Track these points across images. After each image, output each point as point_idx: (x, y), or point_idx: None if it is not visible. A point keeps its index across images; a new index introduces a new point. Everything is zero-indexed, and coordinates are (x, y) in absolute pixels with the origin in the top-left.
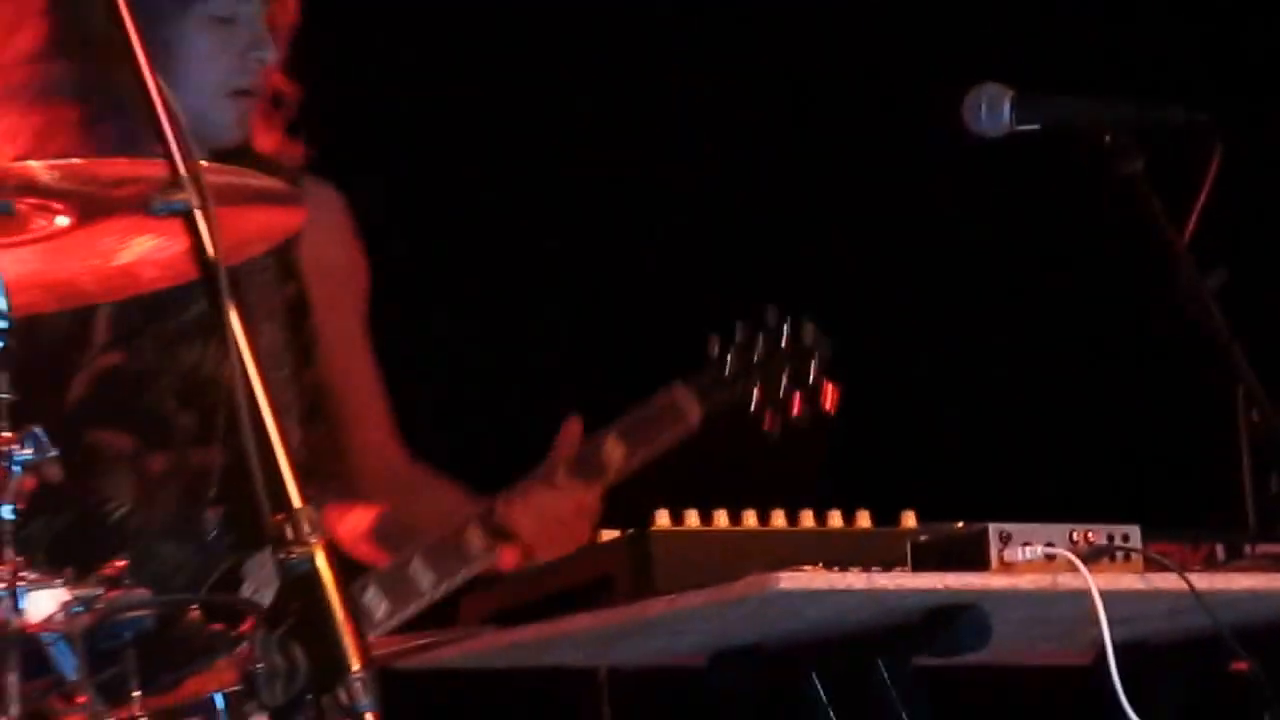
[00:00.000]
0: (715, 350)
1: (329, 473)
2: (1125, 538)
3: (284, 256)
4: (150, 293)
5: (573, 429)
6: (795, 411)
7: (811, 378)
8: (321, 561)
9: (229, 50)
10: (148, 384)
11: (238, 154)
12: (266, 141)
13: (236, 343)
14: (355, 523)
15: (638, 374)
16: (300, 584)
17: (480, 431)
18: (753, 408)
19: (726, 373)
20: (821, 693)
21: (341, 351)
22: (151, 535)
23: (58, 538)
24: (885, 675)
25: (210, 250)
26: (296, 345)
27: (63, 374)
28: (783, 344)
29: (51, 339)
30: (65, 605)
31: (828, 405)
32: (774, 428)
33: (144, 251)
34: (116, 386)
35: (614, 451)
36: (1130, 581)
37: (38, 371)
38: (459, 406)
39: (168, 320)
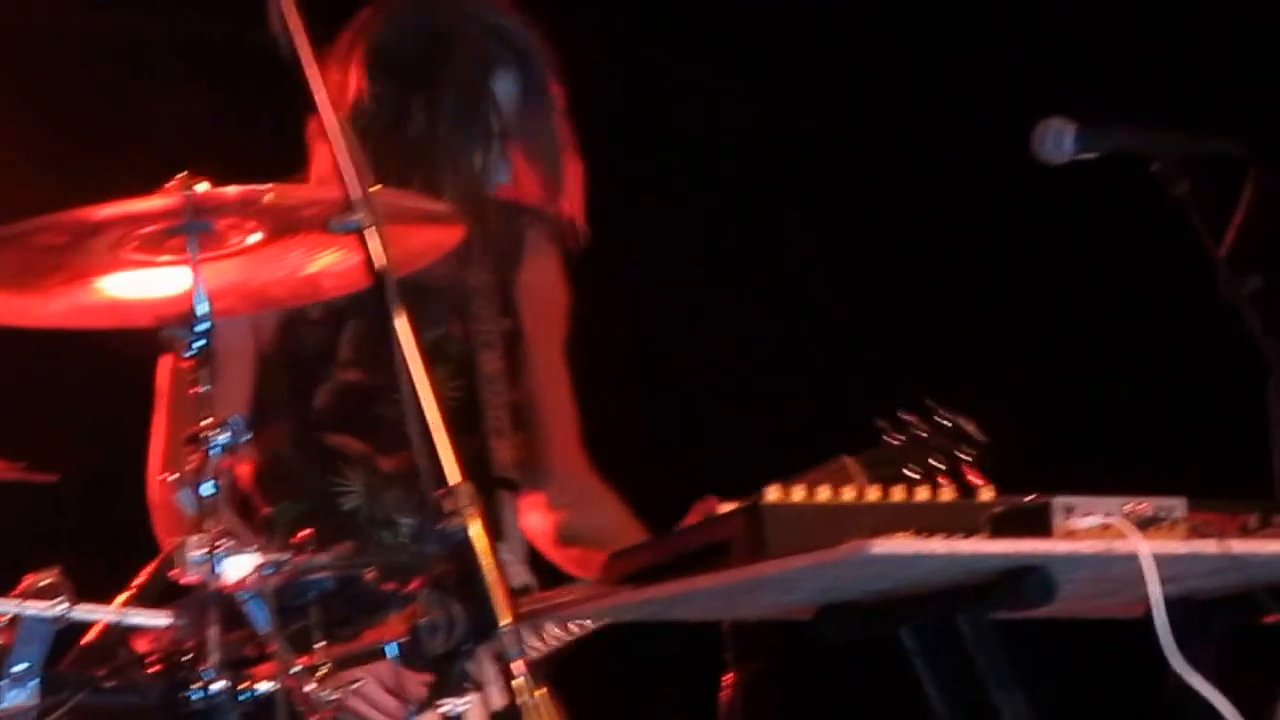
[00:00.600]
0: (884, 429)
1: (531, 477)
2: (1171, 509)
3: (505, 291)
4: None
5: (708, 504)
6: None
7: (964, 464)
8: (476, 530)
9: None
10: (380, 397)
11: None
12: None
13: (400, 344)
14: (539, 524)
15: (807, 445)
16: (458, 549)
17: (660, 466)
18: (909, 481)
19: (891, 450)
20: (911, 643)
21: (544, 373)
22: (377, 525)
23: (296, 520)
24: (965, 628)
25: (380, 263)
26: (510, 369)
27: (312, 384)
28: (942, 431)
29: (304, 354)
30: (258, 568)
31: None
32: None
33: (326, 264)
34: (354, 398)
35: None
36: (1175, 546)
37: (293, 380)
38: (644, 444)
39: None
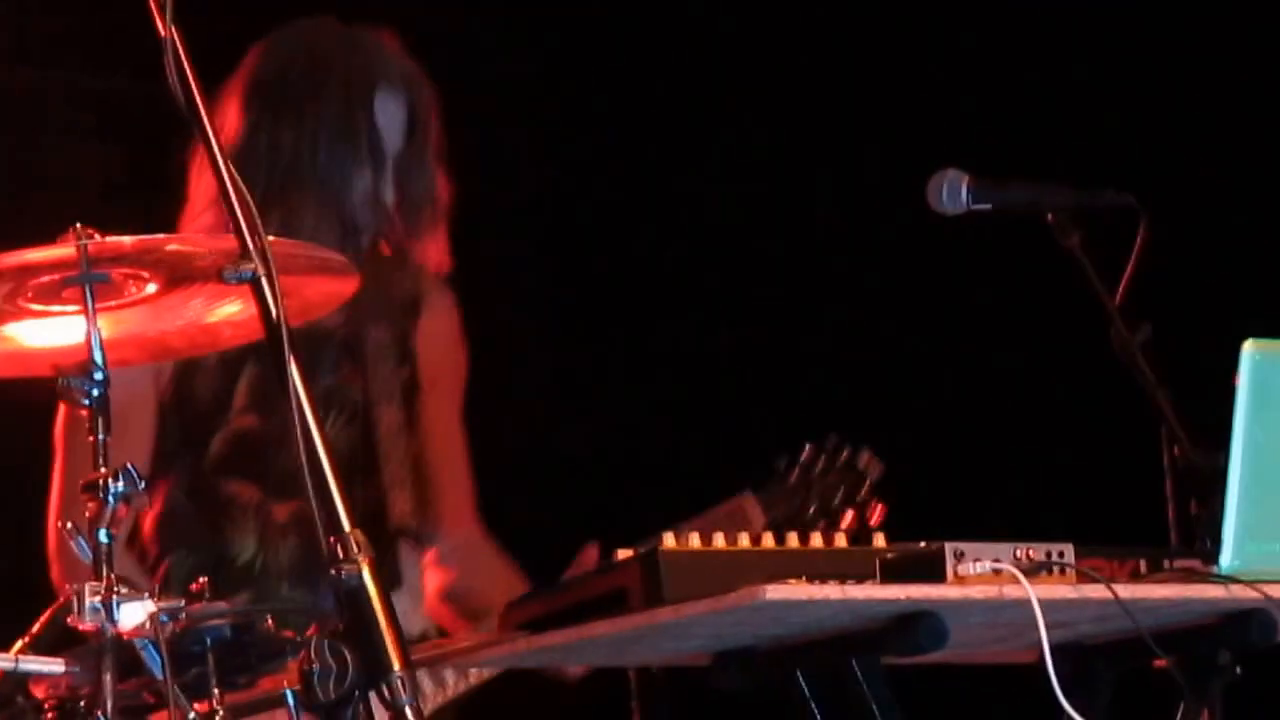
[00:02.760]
0: (782, 466)
1: (426, 531)
2: (1061, 554)
3: (403, 346)
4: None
5: (589, 554)
6: (845, 524)
7: (862, 496)
8: (368, 576)
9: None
10: (274, 445)
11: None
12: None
13: (296, 392)
14: (428, 580)
15: (705, 482)
16: (350, 596)
17: (546, 518)
18: (808, 518)
19: (789, 486)
20: (805, 688)
21: (439, 426)
22: (270, 575)
23: (192, 570)
24: (858, 673)
25: (274, 312)
26: (409, 421)
27: (208, 432)
28: (839, 465)
29: (200, 402)
30: (153, 615)
31: (874, 521)
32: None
33: (225, 314)
34: (248, 445)
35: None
36: (1064, 591)
37: (187, 428)
38: (537, 496)
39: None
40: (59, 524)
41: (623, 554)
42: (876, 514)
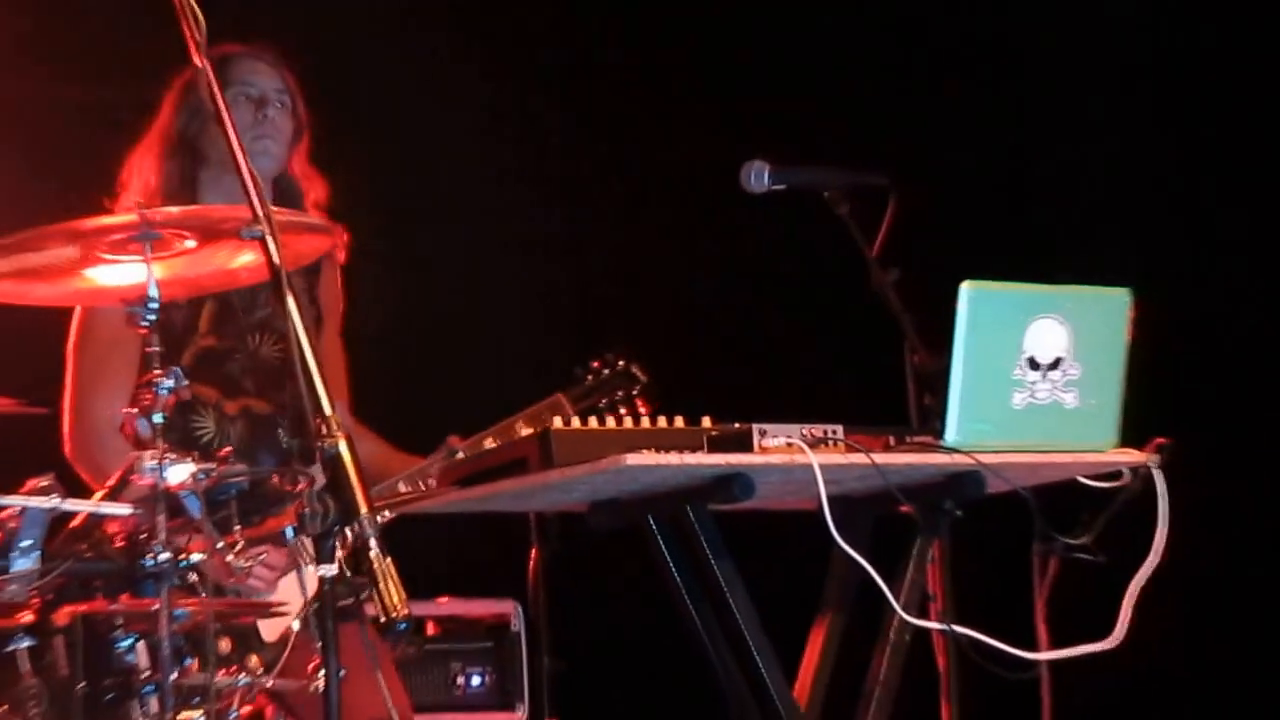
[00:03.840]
0: (580, 374)
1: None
2: (834, 432)
3: (310, 293)
4: (232, 299)
5: (450, 442)
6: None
7: (636, 393)
8: (344, 446)
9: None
10: (227, 358)
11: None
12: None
13: (292, 314)
14: None
15: (530, 387)
16: (331, 460)
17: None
18: (601, 408)
19: (586, 386)
20: (655, 529)
21: (331, 349)
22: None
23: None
24: (692, 517)
25: (275, 260)
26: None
27: (180, 349)
28: (620, 371)
29: (174, 327)
30: (194, 474)
31: (644, 412)
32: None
33: (242, 262)
34: (209, 359)
35: (523, 429)
36: (836, 458)
37: (167, 347)
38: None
39: (242, 319)
40: (119, 411)
41: (524, 431)
42: (644, 409)
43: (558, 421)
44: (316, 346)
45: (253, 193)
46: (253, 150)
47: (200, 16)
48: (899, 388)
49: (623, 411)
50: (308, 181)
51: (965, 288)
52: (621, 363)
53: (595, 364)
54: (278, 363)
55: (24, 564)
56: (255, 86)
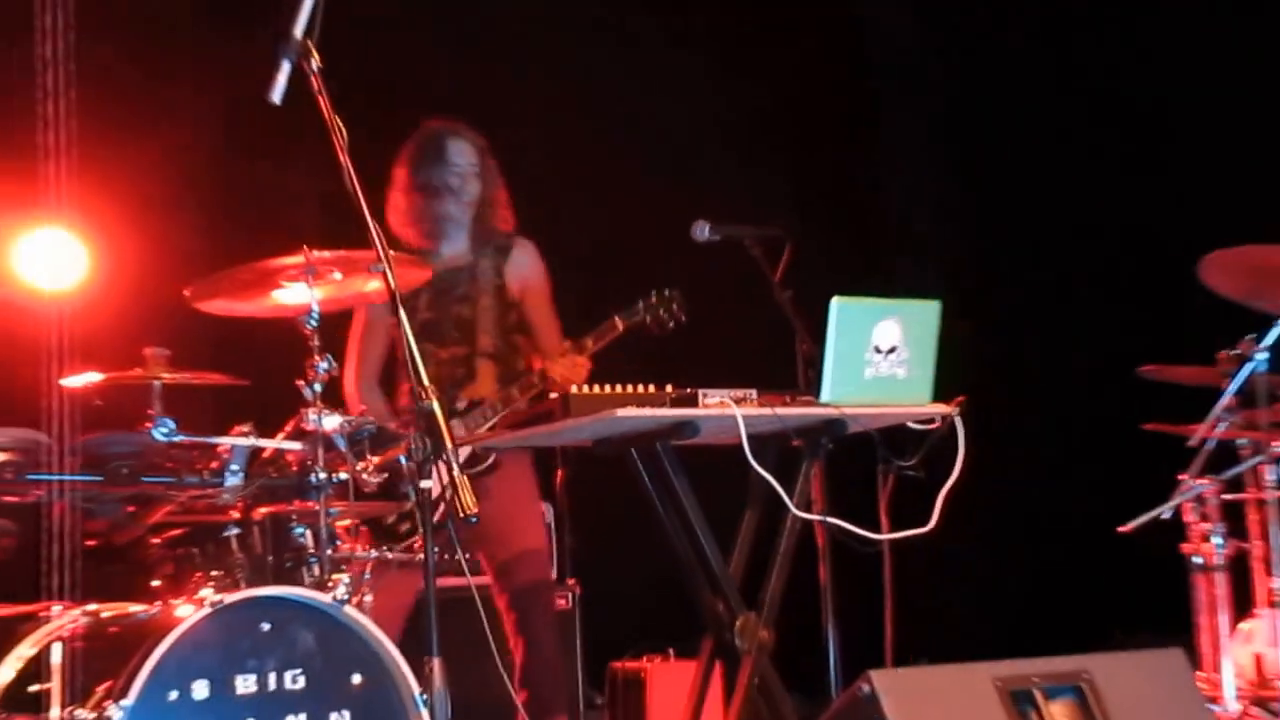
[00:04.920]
0: (637, 302)
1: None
2: (751, 394)
3: (500, 272)
4: (441, 286)
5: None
6: (670, 328)
7: (675, 315)
8: (435, 406)
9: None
10: (440, 324)
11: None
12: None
13: (403, 321)
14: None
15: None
16: (426, 415)
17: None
18: (649, 325)
19: (640, 311)
20: (636, 458)
21: (536, 312)
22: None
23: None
24: (660, 450)
25: (393, 284)
26: (500, 307)
27: (412, 320)
28: (665, 298)
29: (415, 312)
30: (340, 424)
31: (682, 320)
32: (661, 332)
33: (372, 287)
34: (428, 326)
35: (590, 342)
36: (751, 411)
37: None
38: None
39: (447, 296)
40: (354, 379)
41: (553, 396)
42: (681, 321)
43: (575, 389)
44: (494, 309)
45: (378, 239)
46: (452, 214)
47: (343, 129)
48: (793, 365)
49: (669, 326)
50: (498, 202)
51: (835, 301)
52: (667, 292)
53: (647, 295)
54: (462, 319)
55: (234, 481)
56: (460, 165)
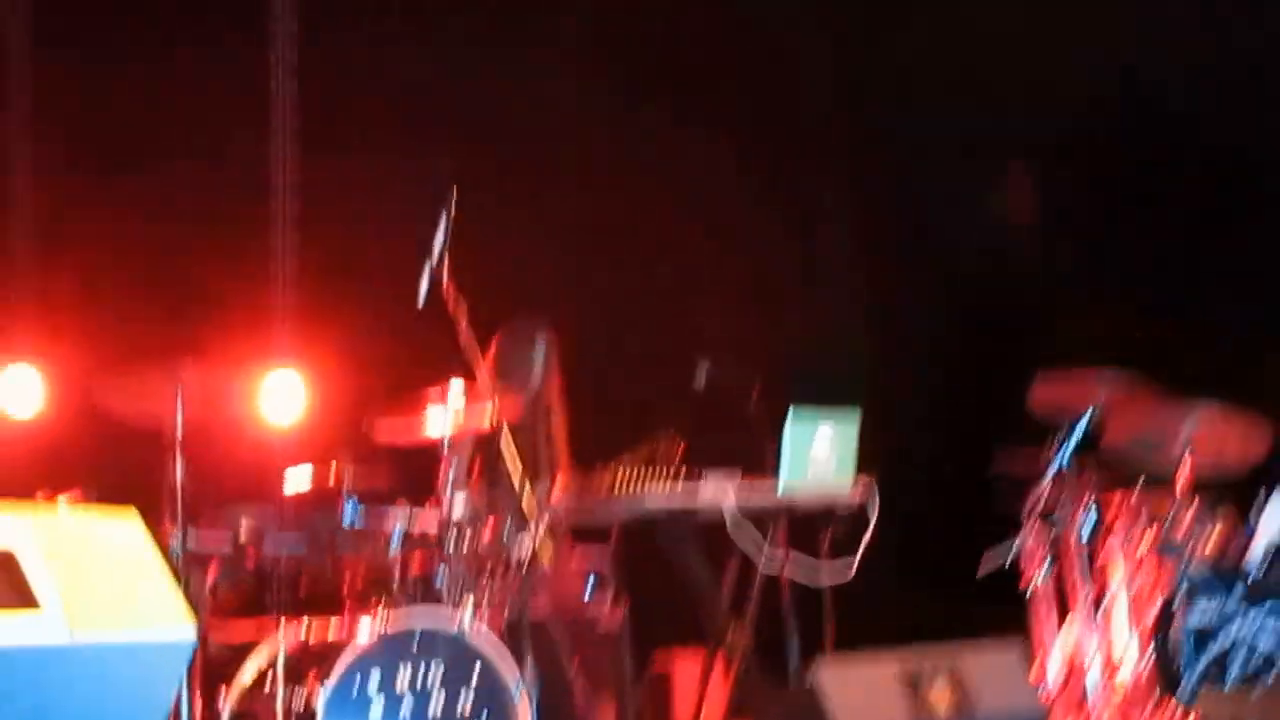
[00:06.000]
0: (642, 443)
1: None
2: (736, 474)
3: (541, 396)
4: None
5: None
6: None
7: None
8: (530, 499)
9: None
10: (527, 432)
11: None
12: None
13: (505, 435)
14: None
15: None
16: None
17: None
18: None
19: (641, 452)
20: (661, 537)
21: (560, 433)
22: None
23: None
24: (679, 531)
25: (493, 415)
26: (544, 426)
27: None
28: (664, 444)
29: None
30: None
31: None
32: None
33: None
34: (518, 431)
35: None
36: (736, 494)
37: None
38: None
39: (524, 422)
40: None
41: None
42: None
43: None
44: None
45: (489, 381)
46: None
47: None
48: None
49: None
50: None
51: (791, 412)
52: (666, 439)
53: (650, 439)
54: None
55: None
56: (539, 350)
